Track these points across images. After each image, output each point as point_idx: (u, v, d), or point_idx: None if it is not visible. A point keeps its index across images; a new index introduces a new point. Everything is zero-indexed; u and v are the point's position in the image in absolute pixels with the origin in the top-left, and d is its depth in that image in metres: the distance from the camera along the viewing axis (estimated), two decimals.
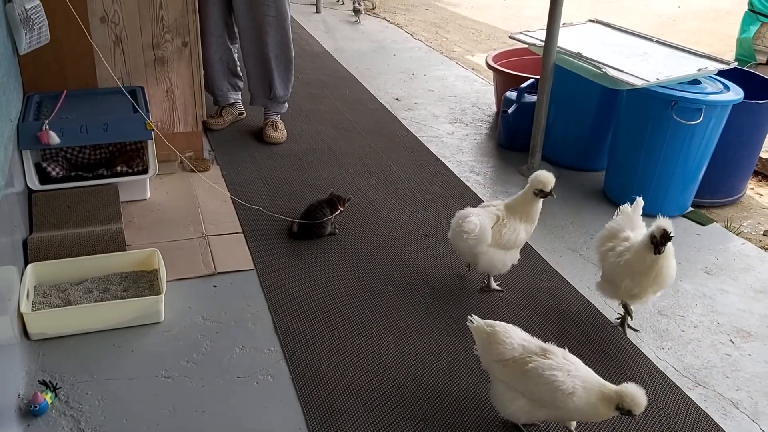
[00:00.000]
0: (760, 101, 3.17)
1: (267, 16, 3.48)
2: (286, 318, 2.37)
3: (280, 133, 3.77)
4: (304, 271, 2.64)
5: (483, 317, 2.40)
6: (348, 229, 2.94)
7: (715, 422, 2.01)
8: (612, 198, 3.30)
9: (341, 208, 2.87)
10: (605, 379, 2.15)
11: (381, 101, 4.49)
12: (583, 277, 2.70)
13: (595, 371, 2.17)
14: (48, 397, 1.94)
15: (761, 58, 5.32)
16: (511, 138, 3.81)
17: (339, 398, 2.04)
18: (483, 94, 4.73)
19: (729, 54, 5.58)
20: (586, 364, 2.20)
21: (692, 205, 3.25)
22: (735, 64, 3.21)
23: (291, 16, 3.66)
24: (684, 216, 3.19)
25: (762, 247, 3.04)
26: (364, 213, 3.07)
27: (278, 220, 2.93)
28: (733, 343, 2.38)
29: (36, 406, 1.89)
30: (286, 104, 3.84)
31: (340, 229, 2.91)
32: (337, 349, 2.24)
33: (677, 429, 1.99)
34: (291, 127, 3.89)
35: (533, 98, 3.55)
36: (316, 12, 6.89)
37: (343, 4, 7.53)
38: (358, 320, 2.38)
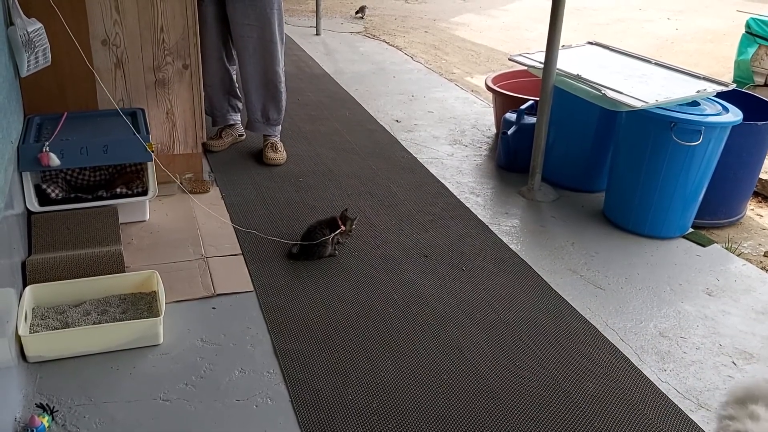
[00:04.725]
0: (759, 122, 3.18)
1: (259, 39, 3.52)
2: (286, 340, 2.36)
3: (280, 155, 3.77)
4: (303, 293, 2.63)
5: (483, 339, 2.41)
6: (348, 250, 2.93)
7: None
8: (612, 219, 3.30)
9: (342, 228, 2.86)
10: (605, 401, 2.13)
11: (381, 123, 4.51)
12: (583, 298, 2.69)
13: (597, 393, 2.17)
14: (45, 420, 1.92)
15: (759, 80, 5.35)
16: (511, 159, 3.82)
17: (338, 421, 2.02)
18: (482, 116, 4.75)
19: (727, 76, 5.60)
20: (587, 386, 2.20)
21: (692, 226, 3.25)
22: (734, 86, 3.23)
23: (288, 36, 3.68)
24: (684, 237, 3.19)
25: (763, 268, 3.03)
26: (363, 234, 3.06)
27: (278, 242, 2.92)
28: (735, 365, 2.36)
29: (33, 430, 1.87)
30: (279, 127, 3.85)
31: (339, 250, 2.91)
32: (337, 371, 2.22)
33: None
34: (291, 149, 3.90)
35: (532, 120, 3.56)
36: (316, 34, 6.94)
37: (362, 18, 7.85)
38: (358, 342, 2.37)
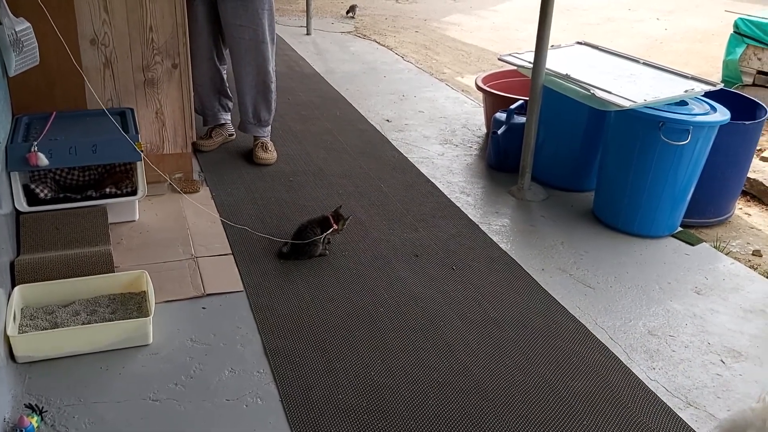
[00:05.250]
0: (746, 122, 3.20)
1: (251, 39, 3.51)
2: (276, 339, 2.35)
3: (270, 154, 3.77)
4: (293, 292, 2.63)
5: (473, 338, 2.42)
6: (338, 249, 2.93)
7: None
8: (601, 218, 3.32)
9: (335, 226, 2.86)
10: (595, 399, 2.14)
11: (371, 122, 4.51)
12: (573, 297, 2.70)
13: (587, 392, 2.18)
14: (34, 420, 1.91)
15: (747, 80, 5.38)
16: (501, 159, 3.83)
17: (329, 420, 2.02)
18: (473, 116, 4.76)
19: (716, 75, 5.64)
20: (576, 384, 2.21)
21: (681, 225, 3.27)
22: (721, 86, 3.25)
23: (278, 36, 3.68)
24: (673, 236, 3.21)
25: (751, 267, 3.05)
26: (354, 234, 3.06)
27: (268, 241, 2.92)
28: (723, 363, 2.38)
29: (22, 430, 1.86)
30: (270, 127, 3.85)
31: (330, 249, 2.91)
32: (327, 371, 2.22)
33: None
34: (281, 148, 3.90)
35: (522, 119, 3.57)
36: (307, 34, 6.93)
37: (353, 17, 7.88)
38: (348, 341, 2.37)
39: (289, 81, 5.23)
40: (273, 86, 3.70)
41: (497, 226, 3.24)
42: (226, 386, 2.13)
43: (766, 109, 3.38)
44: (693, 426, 2.07)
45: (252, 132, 3.80)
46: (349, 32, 7.28)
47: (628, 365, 2.33)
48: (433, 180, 3.69)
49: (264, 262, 2.80)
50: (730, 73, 5.47)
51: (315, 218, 2.90)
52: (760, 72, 5.32)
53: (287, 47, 6.31)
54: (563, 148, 3.61)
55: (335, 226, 2.86)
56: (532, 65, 3.34)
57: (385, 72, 5.79)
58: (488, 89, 4.21)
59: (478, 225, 3.23)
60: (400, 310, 2.56)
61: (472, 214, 3.34)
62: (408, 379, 2.20)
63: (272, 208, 3.27)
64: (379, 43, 6.89)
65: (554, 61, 3.45)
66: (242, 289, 2.62)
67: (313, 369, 2.22)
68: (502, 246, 3.06)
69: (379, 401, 2.10)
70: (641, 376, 2.28)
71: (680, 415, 2.11)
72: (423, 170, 3.81)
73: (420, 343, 2.38)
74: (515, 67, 3.75)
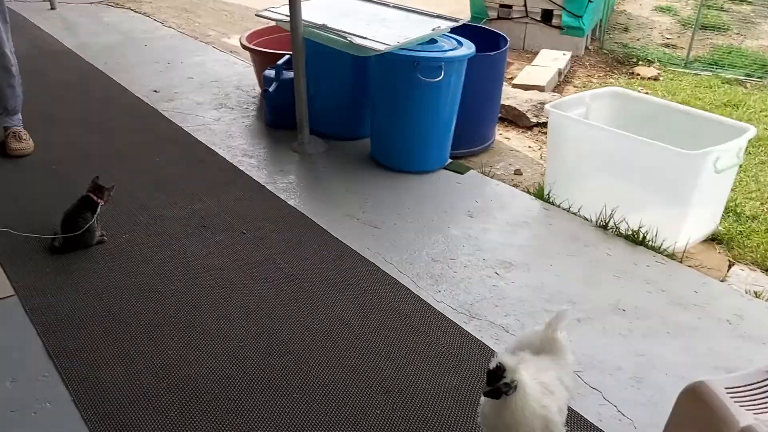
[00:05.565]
0: (491, 53, 3.47)
1: None
2: (60, 339, 2.20)
3: (25, 144, 3.44)
4: (73, 287, 2.46)
5: (270, 297, 2.43)
6: (118, 233, 2.78)
7: (489, 348, 2.21)
8: (379, 161, 3.46)
9: (102, 202, 2.69)
10: (391, 329, 2.27)
11: (137, 95, 4.28)
12: (363, 240, 2.81)
13: (383, 324, 2.31)
14: None
15: (493, 14, 5.82)
16: (277, 116, 3.83)
17: (129, 409, 1.94)
18: (245, 76, 4.69)
19: (466, 13, 6.03)
20: (373, 320, 2.32)
21: (451, 157, 3.50)
22: (464, 21, 3.47)
23: (16, 13, 3.33)
24: (445, 168, 3.43)
25: (514, 185, 3.36)
26: (134, 215, 2.92)
27: (37, 239, 2.69)
28: (498, 275, 2.62)
29: None
30: (19, 115, 3.51)
31: (109, 234, 2.75)
32: (121, 359, 2.12)
33: (458, 360, 2.16)
34: (38, 136, 3.56)
35: (291, 74, 3.57)
36: (51, 9, 6.33)
37: None
38: (140, 325, 2.28)
39: (37, 62, 4.77)
40: (14, 69, 3.37)
41: (283, 184, 3.26)
42: (10, 398, 1.97)
43: (507, 39, 3.69)
44: (477, 336, 2.27)
45: (0, 123, 3.44)
46: (99, 2, 6.77)
47: (416, 293, 2.49)
48: (212, 147, 3.61)
49: (35, 261, 2.59)
50: (478, 9, 5.89)
51: (77, 202, 2.69)
52: (502, 5, 5.77)
53: (31, 25, 5.73)
54: (334, 98, 3.69)
55: (101, 201, 2.69)
56: (289, 18, 3.33)
57: (145, 40, 5.49)
58: (254, 47, 4.15)
59: (264, 186, 3.23)
60: (193, 284, 2.50)
61: (257, 175, 3.33)
62: (207, 352, 2.17)
63: (37, 202, 3.01)
64: (134, 10, 6.49)
65: (310, 13, 3.48)
66: (13, 293, 2.40)
67: (105, 362, 2.12)
68: (291, 202, 3.09)
69: (178, 380, 2.05)
70: (429, 300, 2.45)
71: (466, 329, 2.31)
72: (201, 138, 3.70)
73: (217, 313, 2.36)
74: (275, 22, 3.73)
